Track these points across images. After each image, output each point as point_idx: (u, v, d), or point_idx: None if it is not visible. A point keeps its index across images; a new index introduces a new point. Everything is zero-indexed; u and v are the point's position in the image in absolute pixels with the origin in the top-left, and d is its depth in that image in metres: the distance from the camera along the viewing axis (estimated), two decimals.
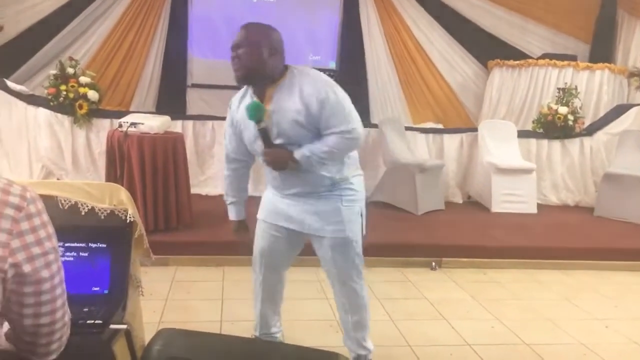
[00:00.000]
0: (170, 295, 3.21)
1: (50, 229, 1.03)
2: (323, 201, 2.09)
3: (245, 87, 2.13)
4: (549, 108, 5.98)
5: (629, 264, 4.18)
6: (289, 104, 1.95)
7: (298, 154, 1.97)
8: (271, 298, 2.39)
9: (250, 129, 2.06)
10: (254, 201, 2.37)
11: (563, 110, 5.89)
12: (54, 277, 1.03)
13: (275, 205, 2.19)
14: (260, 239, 2.28)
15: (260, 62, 1.95)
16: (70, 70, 5.06)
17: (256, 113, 1.97)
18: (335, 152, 1.98)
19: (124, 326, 1.45)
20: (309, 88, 1.94)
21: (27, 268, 0.98)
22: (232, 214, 2.33)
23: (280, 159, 2.00)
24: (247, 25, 2.00)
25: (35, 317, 1.03)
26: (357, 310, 2.25)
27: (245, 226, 2.35)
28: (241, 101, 2.12)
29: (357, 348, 2.30)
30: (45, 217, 1.03)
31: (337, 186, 2.10)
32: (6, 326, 1.08)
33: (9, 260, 0.95)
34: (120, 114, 4.73)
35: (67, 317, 1.10)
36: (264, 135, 1.99)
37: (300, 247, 2.31)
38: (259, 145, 2.06)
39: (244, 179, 2.32)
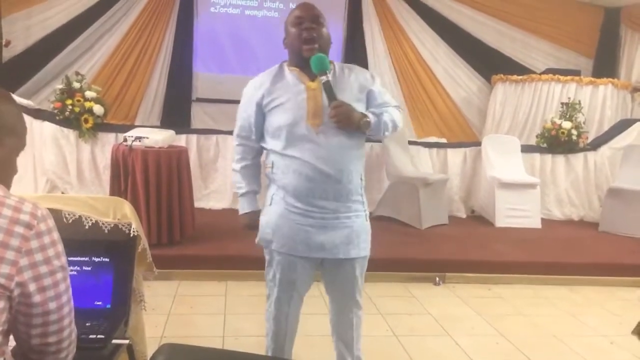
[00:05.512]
0: (173, 310, 3.20)
1: (60, 247, 1.03)
2: (353, 219, 1.98)
3: (275, 67, 2.01)
4: (553, 123, 5.98)
5: (634, 280, 4.14)
6: (347, 87, 1.96)
7: (366, 112, 1.95)
8: (294, 330, 2.21)
9: (296, 97, 1.91)
10: None
11: (567, 125, 5.89)
12: (61, 296, 1.03)
13: (297, 232, 1.94)
14: (286, 273, 2.01)
15: (330, 42, 1.99)
16: (76, 85, 5.10)
17: (321, 63, 1.88)
18: (395, 120, 2.02)
19: (126, 341, 1.45)
20: (362, 75, 2.03)
21: (32, 287, 0.97)
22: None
23: (351, 110, 1.88)
24: (310, 3, 1.98)
25: (42, 336, 1.02)
26: (359, 324, 2.22)
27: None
28: (276, 79, 1.97)
29: None
30: (56, 234, 1.03)
31: (361, 197, 2.02)
32: (12, 342, 1.07)
33: (15, 278, 0.95)
34: (125, 128, 4.76)
35: (74, 335, 1.10)
36: (328, 88, 1.87)
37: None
38: (313, 107, 1.90)
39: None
